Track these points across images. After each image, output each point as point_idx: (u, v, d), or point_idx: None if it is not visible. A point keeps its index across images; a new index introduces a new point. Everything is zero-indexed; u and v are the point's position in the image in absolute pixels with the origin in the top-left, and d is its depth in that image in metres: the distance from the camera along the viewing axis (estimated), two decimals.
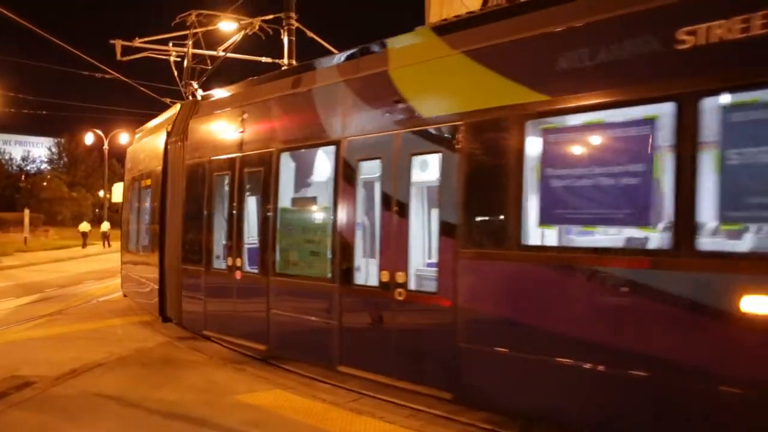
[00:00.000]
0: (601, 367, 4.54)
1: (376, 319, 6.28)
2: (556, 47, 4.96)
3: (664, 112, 4.33)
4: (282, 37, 15.32)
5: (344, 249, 6.64)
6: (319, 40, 15.43)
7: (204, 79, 15.08)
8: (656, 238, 4.46)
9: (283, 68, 8.25)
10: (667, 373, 4.19)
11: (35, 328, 10.39)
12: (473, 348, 5.37)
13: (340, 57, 7.45)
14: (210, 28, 15.44)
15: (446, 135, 5.72)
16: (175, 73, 16.03)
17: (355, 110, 6.76)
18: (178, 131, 10.28)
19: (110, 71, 17.41)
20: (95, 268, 22.64)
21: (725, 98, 4.13)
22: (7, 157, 68.93)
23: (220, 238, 8.87)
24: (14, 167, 68.45)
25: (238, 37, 15.21)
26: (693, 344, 4.11)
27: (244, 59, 17.27)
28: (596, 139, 4.86)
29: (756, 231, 4.12)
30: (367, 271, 6.64)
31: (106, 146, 47.67)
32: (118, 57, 16.23)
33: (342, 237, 6.68)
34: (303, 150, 7.64)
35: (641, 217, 4.48)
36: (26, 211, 36.18)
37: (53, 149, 70.08)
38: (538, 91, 5.04)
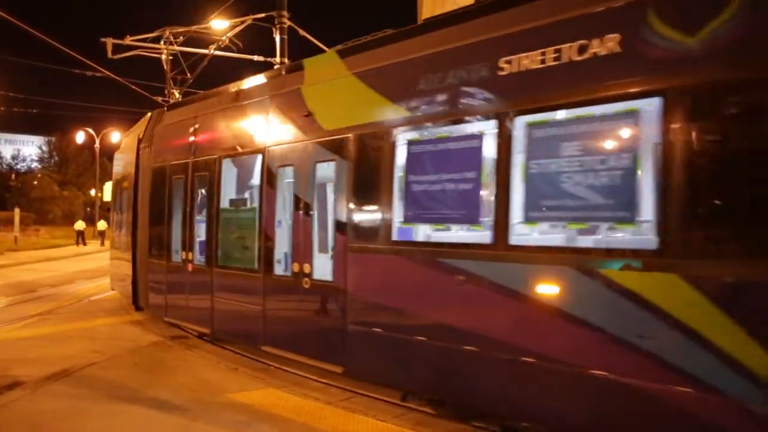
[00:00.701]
0: (444, 343, 5.41)
1: (289, 304, 7.33)
2: (415, 72, 5.88)
3: (489, 128, 5.20)
4: (274, 35, 15.30)
5: (267, 243, 7.69)
6: (311, 38, 15.41)
7: (188, 84, 15.28)
8: (482, 234, 5.23)
9: (234, 85, 8.98)
10: (492, 345, 5.03)
11: (26, 328, 10.34)
12: (357, 328, 6.32)
13: (267, 75, 8.54)
14: (196, 27, 15.45)
15: (340, 145, 6.64)
16: (167, 71, 15.99)
17: (277, 122, 7.76)
18: (147, 138, 11.32)
19: (101, 69, 17.33)
20: (86, 267, 22.49)
21: (529, 118, 4.92)
22: None
23: (177, 235, 9.93)
24: (4, 166, 68.06)
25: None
26: (508, 322, 4.95)
27: (236, 57, 17.24)
28: (442, 151, 5.67)
29: (549, 229, 5.00)
30: (285, 263, 7.55)
31: (97, 145, 47.45)
32: (109, 55, 16.16)
33: (266, 233, 7.73)
34: (239, 157, 8.66)
35: (472, 217, 5.35)
36: (16, 210, 35.98)
37: (44, 148, 69.62)
38: (404, 108, 5.97)
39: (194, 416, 5.74)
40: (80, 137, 50.30)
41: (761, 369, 3.63)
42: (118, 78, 17.70)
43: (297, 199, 7.27)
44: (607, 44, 4.45)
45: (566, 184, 4.64)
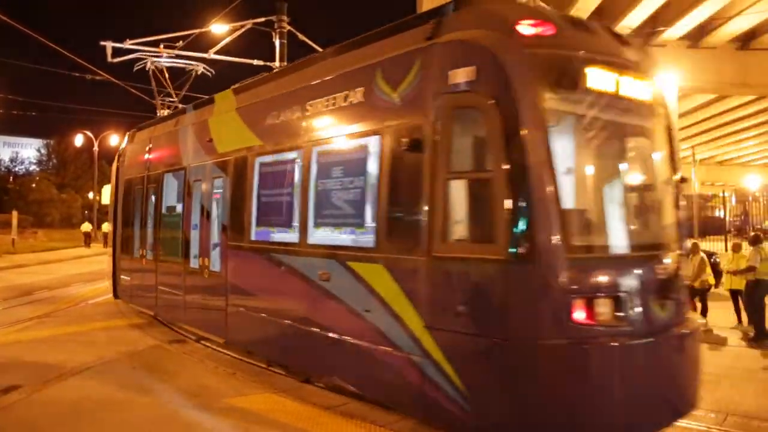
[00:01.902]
0: (276, 318, 7.22)
1: (197, 290, 9.37)
2: (263, 110, 7.85)
3: (298, 155, 7.04)
4: (273, 40, 15.33)
5: (186, 242, 9.80)
6: (310, 42, 15.45)
7: (176, 104, 15.58)
8: (294, 236, 6.96)
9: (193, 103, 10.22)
10: (298, 319, 6.76)
11: (23, 331, 10.34)
12: (233, 308, 8.21)
13: (195, 104, 10.63)
14: (181, 62, 15.63)
15: (225, 166, 8.64)
16: (167, 75, 16.00)
17: (194, 145, 9.88)
18: (123, 154, 13.67)
19: (100, 72, 17.38)
20: (84, 270, 22.44)
21: (318, 148, 6.71)
22: None
23: (137, 235, 12.19)
24: (2, 168, 67.75)
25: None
26: (306, 302, 6.64)
27: (236, 63, 17.24)
28: (274, 172, 7.61)
29: (326, 231, 6.55)
30: (196, 257, 9.48)
31: (95, 148, 47.44)
32: (109, 59, 16.16)
33: (185, 233, 9.84)
34: (174, 172, 10.74)
35: (289, 222, 7.14)
36: (14, 213, 35.91)
37: (42, 150, 69.39)
38: (258, 138, 7.94)
39: (192, 421, 5.75)
40: (79, 140, 50.23)
41: (417, 329, 5.24)
42: (117, 81, 17.75)
43: (202, 207, 9.38)
44: (357, 95, 6.16)
45: (332, 198, 6.42)
